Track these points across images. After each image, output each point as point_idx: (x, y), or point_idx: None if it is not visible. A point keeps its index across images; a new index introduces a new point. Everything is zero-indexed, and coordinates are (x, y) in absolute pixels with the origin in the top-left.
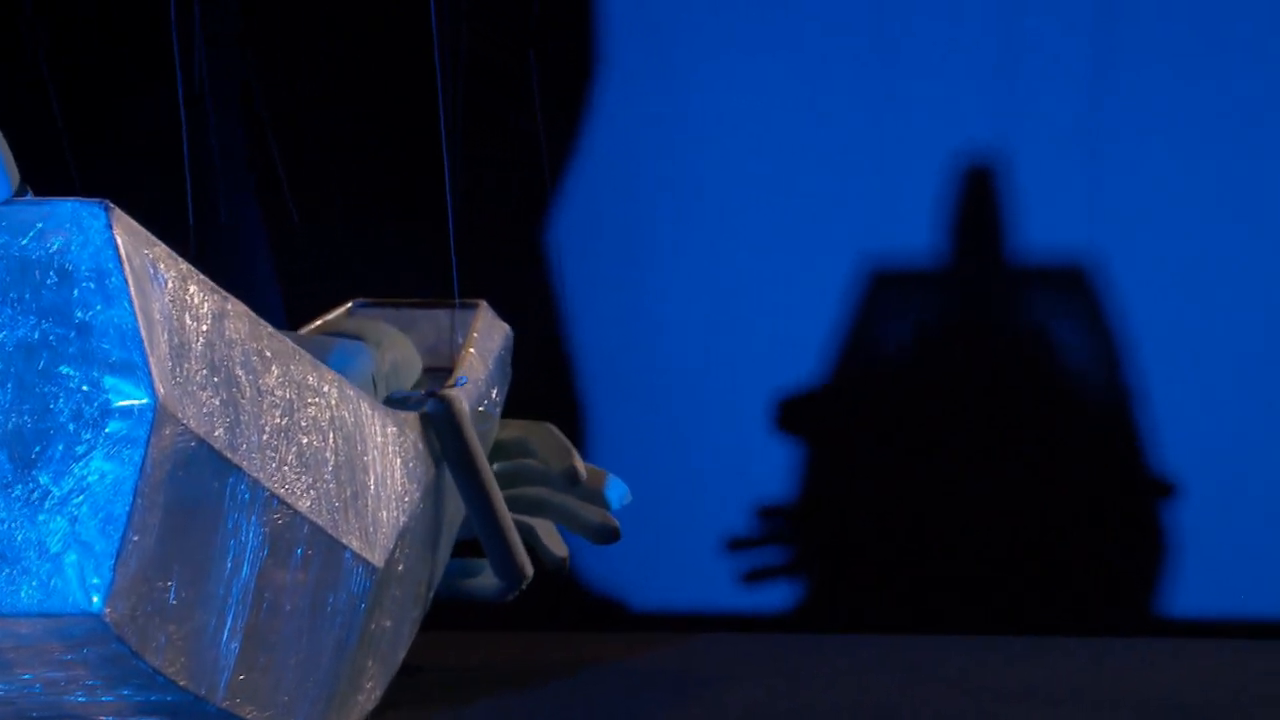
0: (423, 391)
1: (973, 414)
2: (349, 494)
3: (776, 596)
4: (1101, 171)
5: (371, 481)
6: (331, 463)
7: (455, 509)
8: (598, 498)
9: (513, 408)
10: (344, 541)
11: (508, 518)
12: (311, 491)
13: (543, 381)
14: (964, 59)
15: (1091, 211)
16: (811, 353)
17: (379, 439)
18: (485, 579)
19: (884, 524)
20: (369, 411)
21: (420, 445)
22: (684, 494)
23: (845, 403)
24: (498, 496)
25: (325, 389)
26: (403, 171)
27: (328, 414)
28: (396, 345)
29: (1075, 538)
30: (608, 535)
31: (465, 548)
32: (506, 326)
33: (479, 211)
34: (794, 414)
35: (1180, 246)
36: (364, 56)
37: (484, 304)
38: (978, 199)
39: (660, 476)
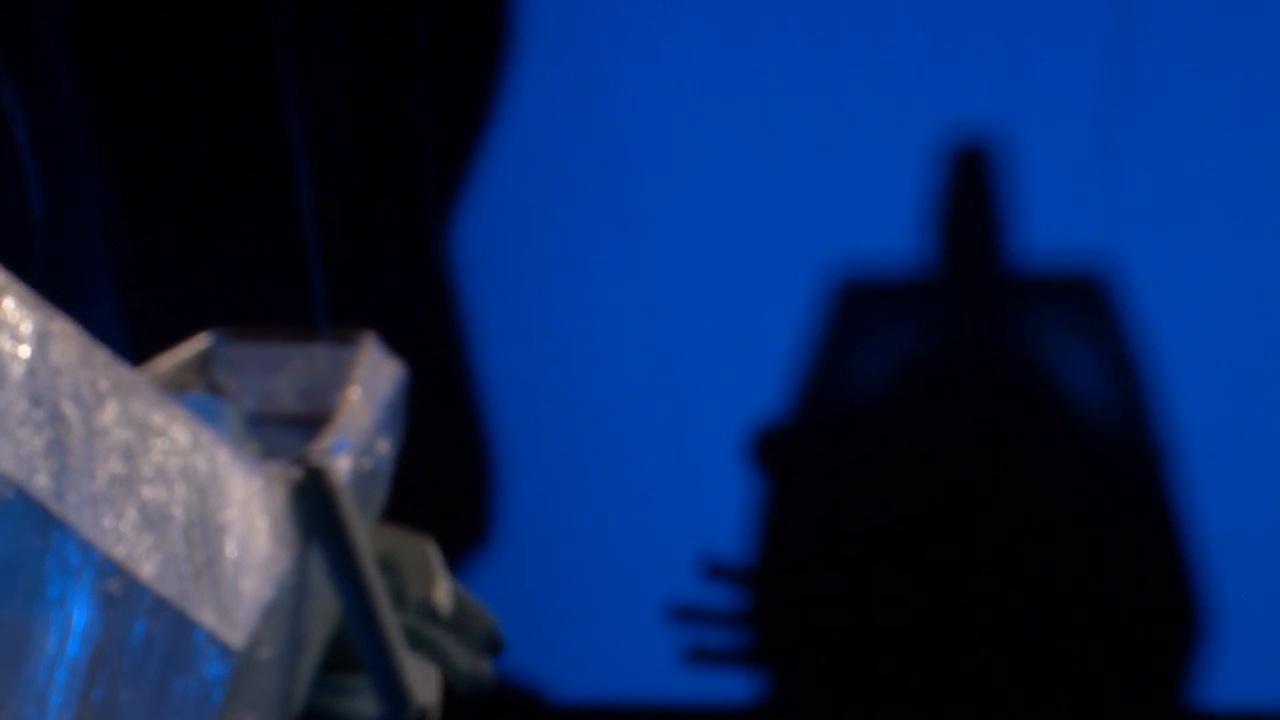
0: (288, 461)
1: (969, 457)
2: (202, 559)
3: (734, 684)
4: (1121, 160)
5: (230, 545)
6: (181, 521)
7: (333, 594)
8: (474, 637)
9: (409, 459)
10: (195, 616)
11: (393, 623)
12: (156, 555)
13: (444, 424)
14: (956, 22)
15: (1110, 208)
16: (772, 381)
17: (240, 494)
18: (364, 702)
19: (867, 594)
20: (228, 461)
21: (291, 506)
22: (617, 552)
23: (815, 444)
24: (381, 595)
25: (174, 431)
26: (275, 177)
27: (177, 461)
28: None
29: (1093, 612)
30: (476, 686)
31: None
32: (398, 364)
33: (364, 223)
34: (754, 457)
35: (1217, 251)
36: (219, 50)
37: (370, 337)
38: (972, 193)
39: (587, 531)
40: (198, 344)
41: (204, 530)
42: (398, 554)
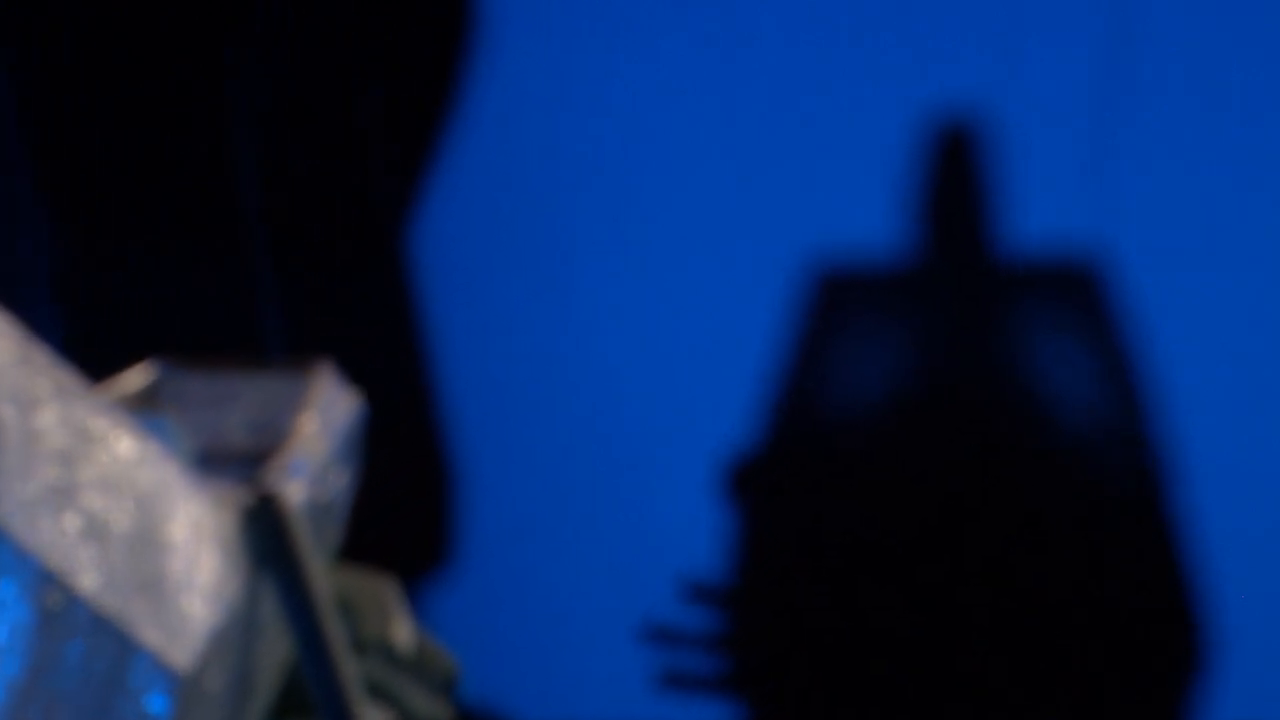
0: (239, 483)
1: (959, 462)
2: (146, 576)
3: (709, 709)
4: (1117, 146)
5: (176, 564)
6: (124, 534)
7: (285, 634)
8: (433, 678)
9: (371, 477)
10: (138, 635)
11: (349, 664)
12: (97, 567)
13: (405, 439)
14: (943, 1)
15: (1105, 198)
16: (748, 389)
17: (187, 512)
18: None
19: (853, 612)
20: (175, 477)
21: (241, 531)
22: (587, 569)
23: (795, 454)
24: (336, 633)
25: (117, 440)
26: (221, 181)
27: (120, 472)
28: None
29: (1091, 632)
30: None
31: None
32: (356, 396)
33: (316, 229)
34: (731, 472)
35: (1218, 243)
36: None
37: (326, 366)
38: (959, 183)
39: (555, 547)
40: (142, 375)
41: (148, 546)
42: (355, 594)
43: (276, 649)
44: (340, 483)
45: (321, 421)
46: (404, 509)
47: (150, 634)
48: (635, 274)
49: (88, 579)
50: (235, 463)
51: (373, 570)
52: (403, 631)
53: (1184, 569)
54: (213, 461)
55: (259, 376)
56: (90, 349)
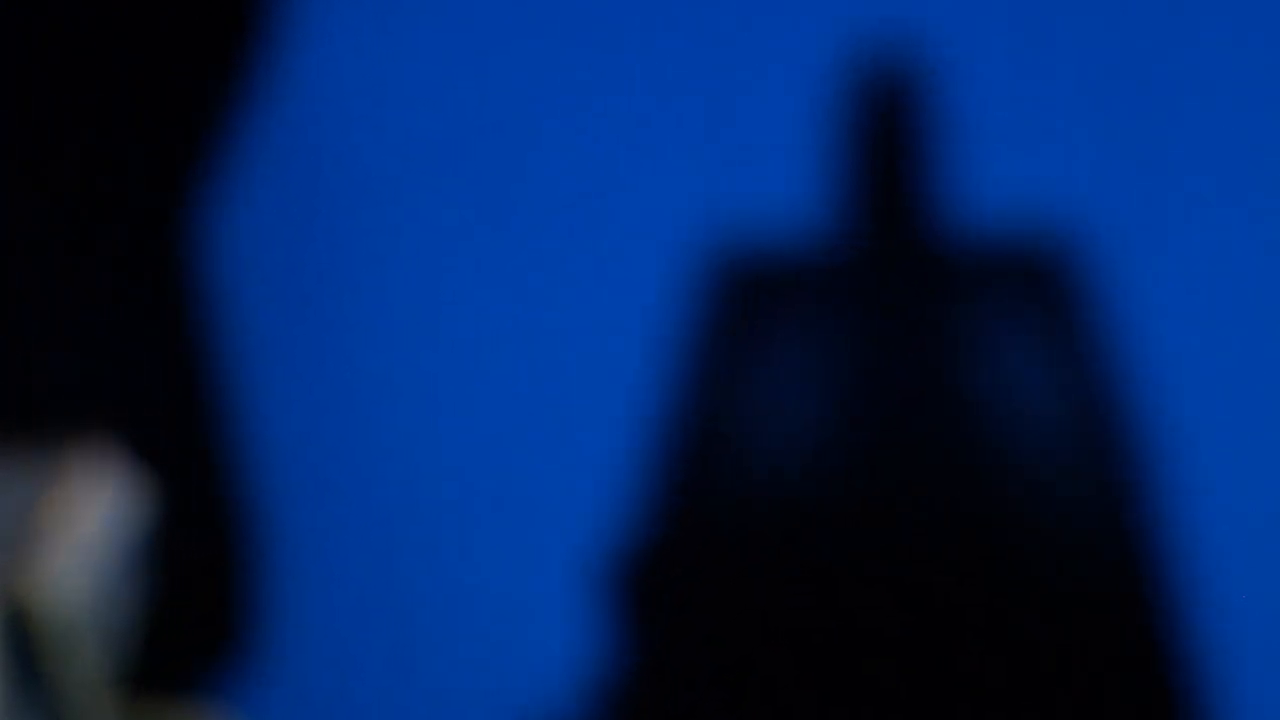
0: None
1: (907, 485)
2: None
3: None
4: (1098, 91)
5: None
6: None
7: None
8: None
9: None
10: None
11: None
12: None
13: (198, 498)
14: None
15: (1083, 156)
16: (635, 417)
17: None
18: None
19: (791, 696)
20: None
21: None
22: (435, 658)
23: (703, 493)
24: None
25: None
26: None
27: None
28: None
29: (1080, 676)
30: None
31: None
32: (143, 485)
33: (83, 234)
34: (621, 518)
35: (1218, 214)
36: None
37: (98, 447)
38: (897, 140)
39: (390, 632)
40: None
41: None
42: None
43: None
44: (117, 601)
45: (93, 520)
46: (195, 593)
47: None
48: (488, 282)
49: None
50: None
51: (187, 706)
52: None
53: (1174, 576)
54: None
55: (16, 471)
56: None
